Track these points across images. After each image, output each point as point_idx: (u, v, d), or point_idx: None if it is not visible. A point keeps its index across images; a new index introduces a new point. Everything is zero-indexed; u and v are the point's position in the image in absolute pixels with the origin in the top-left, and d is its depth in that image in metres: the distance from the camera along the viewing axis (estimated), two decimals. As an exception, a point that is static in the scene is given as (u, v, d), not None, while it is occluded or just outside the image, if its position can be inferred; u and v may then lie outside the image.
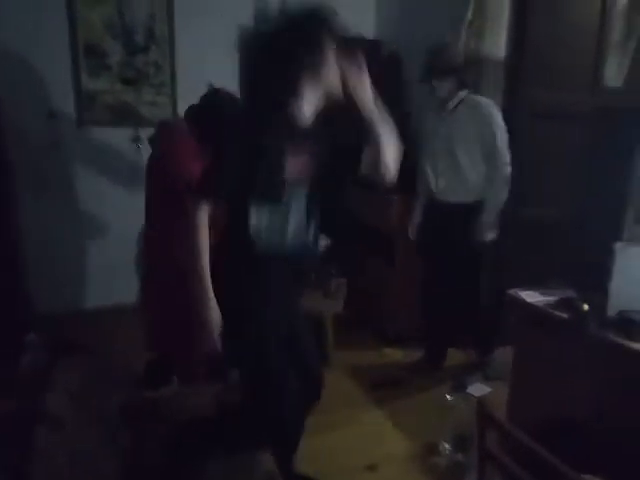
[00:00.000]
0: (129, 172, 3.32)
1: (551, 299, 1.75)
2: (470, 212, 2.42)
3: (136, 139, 3.30)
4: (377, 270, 3.23)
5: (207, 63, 3.35)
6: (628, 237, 1.80)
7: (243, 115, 1.50)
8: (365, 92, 1.43)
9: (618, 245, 1.53)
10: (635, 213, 1.87)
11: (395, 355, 2.96)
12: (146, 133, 3.29)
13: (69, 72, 3.12)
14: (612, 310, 1.54)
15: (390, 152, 1.48)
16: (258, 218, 1.43)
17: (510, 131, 2.83)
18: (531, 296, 1.79)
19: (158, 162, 2.08)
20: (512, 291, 1.86)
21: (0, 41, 2.86)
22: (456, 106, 2.42)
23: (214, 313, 1.44)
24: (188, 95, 3.32)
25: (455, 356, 2.83)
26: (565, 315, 1.63)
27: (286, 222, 1.48)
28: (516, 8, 2.68)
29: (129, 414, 1.85)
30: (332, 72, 1.40)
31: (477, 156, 2.39)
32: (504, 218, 2.51)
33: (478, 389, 2.54)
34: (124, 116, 3.27)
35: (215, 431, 1.63)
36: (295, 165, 1.44)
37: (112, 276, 3.31)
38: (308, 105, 1.44)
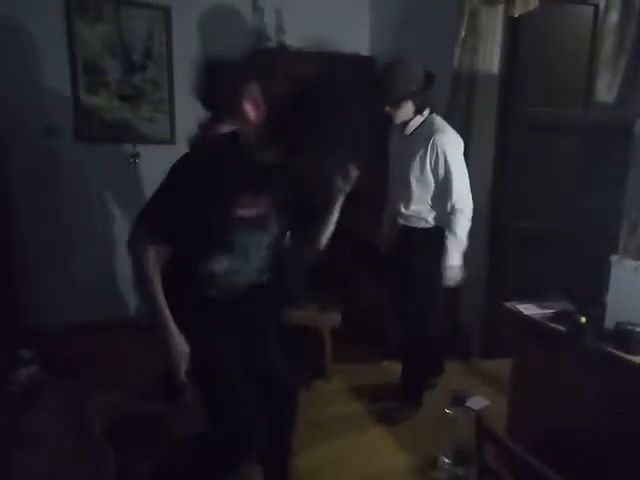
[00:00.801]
0: (126, 188, 3.34)
1: (548, 312, 1.76)
2: (428, 238, 2.29)
3: (133, 155, 3.32)
4: (373, 283, 3.23)
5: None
6: (624, 249, 1.82)
7: (196, 146, 1.49)
8: (341, 197, 1.55)
9: (614, 258, 1.54)
10: (630, 226, 1.89)
11: (394, 368, 2.94)
12: (143, 150, 3.34)
13: (68, 89, 3.15)
14: (609, 322, 1.55)
15: (326, 237, 1.63)
16: (210, 265, 1.40)
17: (504, 146, 2.87)
18: (528, 309, 1.80)
19: None
20: (509, 304, 1.87)
21: (0, 57, 2.89)
22: (414, 131, 2.25)
23: (177, 340, 1.39)
24: (185, 112, 3.37)
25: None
26: (562, 328, 1.64)
27: (244, 264, 1.45)
28: (509, 24, 2.73)
29: (115, 432, 1.82)
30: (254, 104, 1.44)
31: (431, 187, 2.23)
32: (500, 232, 2.50)
33: (477, 402, 2.53)
34: (122, 132, 3.30)
35: (196, 454, 1.60)
36: (251, 202, 1.40)
37: (108, 291, 3.30)
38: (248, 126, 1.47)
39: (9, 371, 2.17)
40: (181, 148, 3.35)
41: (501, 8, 2.71)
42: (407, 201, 2.32)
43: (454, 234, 2.20)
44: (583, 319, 1.59)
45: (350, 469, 2.06)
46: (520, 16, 2.60)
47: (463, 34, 2.81)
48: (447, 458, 2.05)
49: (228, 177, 1.35)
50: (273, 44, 3.44)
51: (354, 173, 1.49)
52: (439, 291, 2.36)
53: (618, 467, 1.44)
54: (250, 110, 2.01)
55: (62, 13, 3.07)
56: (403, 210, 2.36)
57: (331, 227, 1.61)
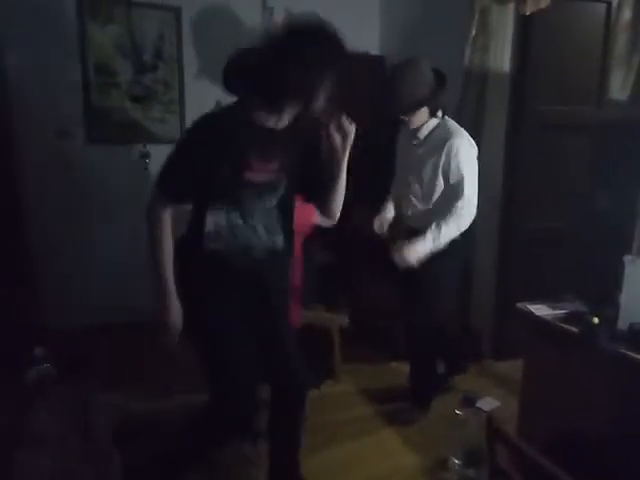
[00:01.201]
0: (137, 188, 3.36)
1: (560, 312, 1.74)
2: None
3: (144, 155, 3.34)
4: (383, 283, 3.21)
5: (214, 81, 3.41)
6: (638, 249, 1.79)
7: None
8: (344, 157, 1.51)
9: (627, 258, 1.52)
10: (644, 225, 1.86)
11: (403, 369, 2.93)
12: (154, 150, 3.36)
13: (79, 90, 3.18)
14: (623, 323, 1.52)
15: (337, 204, 1.63)
16: (217, 221, 1.43)
17: (515, 145, 2.84)
18: (540, 309, 1.78)
19: None
20: (521, 305, 1.85)
21: (12, 59, 2.92)
22: (427, 136, 2.22)
23: (173, 315, 1.45)
24: (196, 112, 3.37)
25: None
26: (575, 328, 1.62)
27: (250, 226, 1.48)
28: (520, 23, 2.71)
29: (121, 433, 1.82)
30: (320, 99, 1.42)
31: (440, 190, 2.21)
32: (510, 231, 2.47)
33: (488, 404, 2.50)
34: (133, 133, 3.32)
35: (189, 436, 1.61)
36: (262, 167, 1.44)
37: (122, 292, 3.33)
38: (285, 117, 1.45)
39: (21, 369, 2.19)
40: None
41: (512, 6, 2.69)
42: (416, 203, 2.31)
43: (439, 228, 2.10)
44: (596, 320, 1.57)
45: (359, 470, 2.06)
46: (531, 14, 2.58)
47: (474, 32, 2.79)
48: (457, 459, 2.03)
49: (238, 142, 1.38)
50: (282, 44, 3.44)
51: (348, 125, 1.48)
52: (448, 292, 2.34)
53: (629, 469, 1.42)
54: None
55: (74, 15, 3.10)
56: (410, 212, 2.35)
57: (341, 193, 1.60)
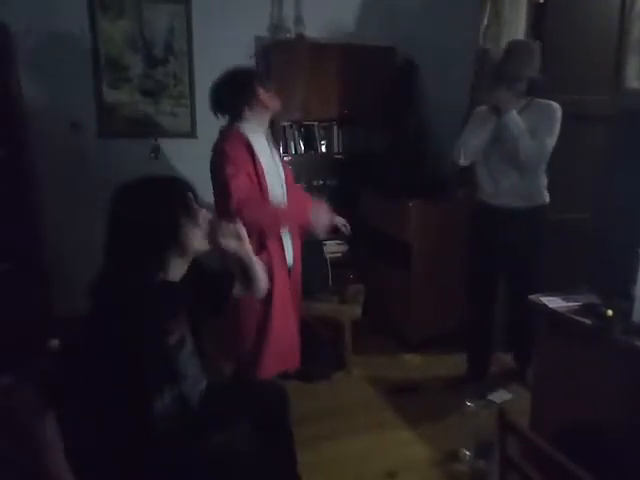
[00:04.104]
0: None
1: (574, 305, 1.72)
2: (530, 217, 2.35)
3: (155, 149, 3.36)
4: (394, 276, 3.22)
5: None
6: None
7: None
8: (245, 247, 1.46)
9: (642, 249, 1.50)
10: (660, 216, 1.83)
11: (414, 361, 2.94)
12: (165, 143, 3.38)
13: (91, 84, 3.21)
14: (637, 316, 1.51)
15: (263, 279, 1.56)
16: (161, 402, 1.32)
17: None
18: (553, 302, 1.76)
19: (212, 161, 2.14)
20: (534, 297, 1.83)
21: (24, 54, 2.95)
22: (522, 108, 2.29)
23: None
24: (206, 106, 3.38)
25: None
26: (588, 321, 1.60)
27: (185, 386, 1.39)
28: (532, 12, 2.66)
29: None
30: (196, 239, 1.33)
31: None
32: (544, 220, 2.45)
33: (499, 396, 2.50)
34: (143, 127, 3.34)
35: None
36: (175, 327, 1.36)
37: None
38: (176, 272, 1.35)
39: (37, 360, 2.23)
40: (202, 142, 3.41)
41: (525, -6, 2.65)
42: (512, 180, 2.33)
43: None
44: (610, 312, 1.55)
45: (371, 461, 2.07)
46: (545, 2, 2.54)
47: (486, 22, 2.75)
48: (468, 451, 2.04)
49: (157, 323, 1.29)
50: (292, 36, 3.43)
51: (234, 227, 1.44)
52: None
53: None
54: (266, 96, 2.10)
55: (85, 10, 3.12)
56: (504, 189, 2.36)
57: (259, 271, 1.54)
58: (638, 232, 1.75)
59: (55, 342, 2.48)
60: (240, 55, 3.43)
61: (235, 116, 2.13)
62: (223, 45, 3.37)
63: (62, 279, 3.15)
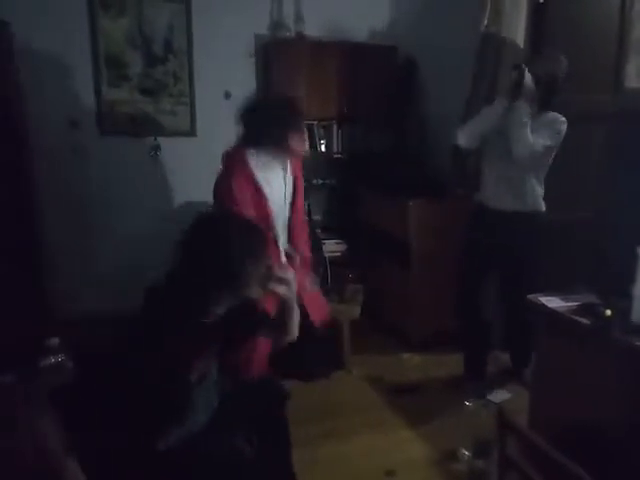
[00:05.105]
0: (148, 180, 3.39)
1: (573, 304, 1.72)
2: (524, 221, 2.34)
3: (154, 148, 3.36)
4: (393, 275, 3.22)
5: (224, 72, 3.41)
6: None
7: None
8: (293, 293, 1.47)
9: (642, 249, 1.50)
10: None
11: (414, 360, 2.94)
12: (164, 142, 3.38)
13: (91, 83, 3.20)
14: (636, 315, 1.51)
15: (295, 327, 1.55)
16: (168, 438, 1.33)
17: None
18: (552, 301, 1.76)
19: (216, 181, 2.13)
20: (533, 296, 1.83)
21: (25, 51, 2.94)
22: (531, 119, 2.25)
23: None
24: (206, 104, 3.38)
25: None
26: (587, 321, 1.60)
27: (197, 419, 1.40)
28: (533, 11, 2.66)
29: None
30: (255, 286, 1.34)
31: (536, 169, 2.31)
32: (539, 226, 2.44)
33: (498, 395, 2.50)
34: (143, 125, 3.34)
35: None
36: (202, 365, 1.37)
37: (134, 282, 3.36)
38: (219, 311, 1.36)
39: (36, 359, 2.23)
40: (201, 140, 3.41)
41: (526, -7, 2.64)
42: (509, 183, 2.33)
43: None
44: (608, 312, 1.55)
45: (369, 460, 2.07)
46: (545, 1, 2.53)
47: (486, 22, 2.75)
48: (467, 450, 2.04)
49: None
50: (292, 34, 3.42)
51: (284, 271, 1.46)
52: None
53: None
54: (295, 143, 2.08)
55: (85, 8, 3.12)
56: (501, 193, 2.36)
57: (294, 320, 1.54)
58: (637, 231, 1.75)
59: (55, 341, 2.48)
60: (240, 53, 3.44)
61: (256, 142, 2.07)
62: (223, 43, 3.37)
63: (60, 279, 3.16)
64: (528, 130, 2.19)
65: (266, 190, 2.09)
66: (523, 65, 2.20)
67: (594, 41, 2.72)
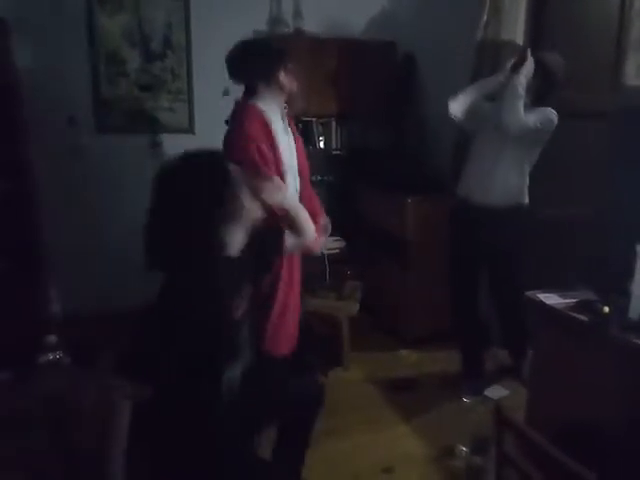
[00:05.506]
0: (146, 178, 3.38)
1: (570, 301, 1.72)
2: (509, 215, 2.35)
3: (153, 145, 3.35)
4: (392, 272, 3.22)
5: (222, 69, 3.39)
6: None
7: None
8: (288, 196, 1.50)
9: (640, 246, 1.50)
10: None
11: (411, 357, 2.94)
12: (163, 139, 3.37)
13: (89, 79, 3.19)
14: (634, 312, 1.51)
15: (311, 225, 1.57)
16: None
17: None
18: (550, 298, 1.77)
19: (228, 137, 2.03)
20: (530, 293, 1.84)
21: (22, 48, 2.93)
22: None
23: None
24: (204, 101, 3.37)
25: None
26: (585, 318, 1.60)
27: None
28: (532, 8, 2.66)
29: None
30: (250, 210, 1.31)
31: (523, 160, 2.34)
32: (523, 219, 2.45)
33: (496, 392, 2.51)
34: (141, 122, 3.33)
35: None
36: (240, 303, 1.35)
37: (134, 278, 3.35)
38: (234, 245, 1.32)
39: (34, 356, 2.23)
40: (200, 138, 3.40)
41: (525, -10, 2.64)
42: (493, 178, 2.34)
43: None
44: (606, 309, 1.55)
45: (367, 457, 2.08)
46: (545, -2, 2.53)
47: (485, 18, 2.74)
48: (464, 447, 2.04)
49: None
50: (291, 30, 3.41)
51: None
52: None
53: (638, 457, 1.42)
54: (285, 79, 2.03)
55: (83, 4, 3.10)
56: (485, 187, 2.36)
57: (304, 220, 1.56)
58: (635, 229, 1.75)
59: (52, 338, 2.48)
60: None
61: (251, 89, 2.03)
62: (221, 39, 3.32)
63: (59, 277, 3.14)
64: (521, 103, 2.21)
65: (279, 140, 1.99)
66: (529, 48, 2.25)
67: (593, 39, 2.72)
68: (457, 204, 2.51)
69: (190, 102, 3.40)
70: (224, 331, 1.26)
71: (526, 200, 2.39)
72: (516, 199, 2.36)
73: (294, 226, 1.55)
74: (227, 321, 1.29)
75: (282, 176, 1.93)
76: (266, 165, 1.88)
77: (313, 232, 1.58)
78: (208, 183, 1.24)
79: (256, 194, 1.37)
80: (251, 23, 3.38)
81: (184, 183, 1.25)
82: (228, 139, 1.99)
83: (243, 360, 1.38)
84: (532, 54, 2.26)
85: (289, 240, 1.55)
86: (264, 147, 1.90)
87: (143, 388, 1.15)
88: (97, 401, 1.11)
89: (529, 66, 2.23)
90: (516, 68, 2.26)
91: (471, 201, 2.42)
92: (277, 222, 1.55)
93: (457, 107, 2.40)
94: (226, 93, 3.38)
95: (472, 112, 2.39)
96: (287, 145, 2.05)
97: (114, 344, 1.50)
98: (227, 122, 2.09)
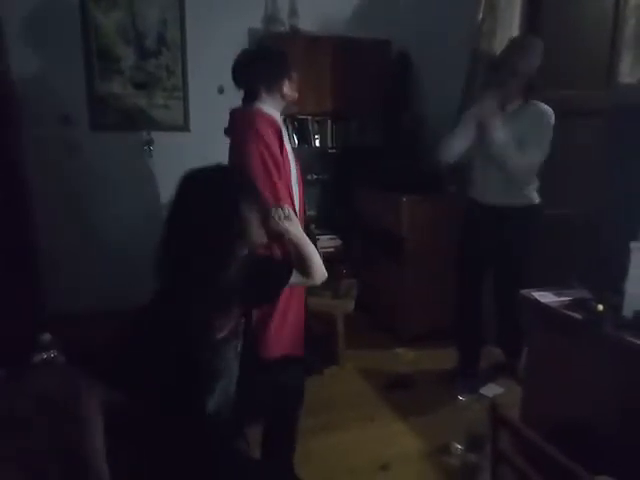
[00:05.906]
0: (141, 175, 3.37)
1: (565, 299, 1.73)
2: (519, 216, 2.34)
3: (148, 142, 3.34)
4: (388, 271, 3.22)
5: (218, 66, 3.39)
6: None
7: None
8: (297, 227, 1.50)
9: (634, 244, 1.50)
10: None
11: (408, 355, 2.95)
12: (157, 137, 3.36)
13: (83, 77, 3.17)
14: (628, 310, 1.52)
15: (318, 262, 1.58)
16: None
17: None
18: (545, 296, 1.77)
19: (234, 146, 2.04)
20: (525, 291, 1.84)
21: (15, 45, 2.90)
22: (515, 110, 2.30)
23: None
24: (199, 98, 3.35)
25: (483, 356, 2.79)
26: (579, 316, 1.61)
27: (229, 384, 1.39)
28: (527, 6, 2.66)
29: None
30: (256, 232, 1.29)
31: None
32: (538, 218, 2.45)
33: (491, 390, 2.52)
34: (136, 120, 3.31)
35: None
36: (225, 323, 1.34)
37: (128, 277, 3.35)
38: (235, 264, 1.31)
39: (28, 355, 2.21)
40: (195, 135, 3.39)
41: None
42: (504, 179, 2.31)
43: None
44: (600, 307, 1.56)
45: (363, 454, 2.08)
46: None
47: (481, 16, 2.75)
48: (460, 444, 2.05)
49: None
50: (286, 28, 3.40)
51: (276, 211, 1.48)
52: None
53: (633, 456, 1.42)
54: (288, 89, 2.05)
55: (77, 1, 3.07)
56: (495, 189, 2.35)
57: (311, 253, 1.56)
58: (629, 227, 1.76)
59: (46, 337, 2.46)
60: (234, 47, 3.40)
61: (254, 94, 2.04)
62: (216, 37, 3.34)
63: (53, 274, 3.13)
64: (512, 150, 2.20)
65: (290, 157, 2.01)
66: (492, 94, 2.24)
67: (588, 37, 2.73)
68: (469, 205, 2.50)
69: (185, 99, 3.38)
70: (201, 352, 1.25)
71: (537, 200, 2.38)
72: (526, 200, 2.35)
73: (300, 259, 1.54)
74: (206, 341, 1.27)
75: (290, 184, 1.99)
76: (278, 171, 1.90)
77: (321, 269, 1.58)
78: (223, 204, 1.23)
79: (265, 220, 1.36)
80: (246, 21, 3.37)
81: (208, 194, 1.24)
82: (239, 145, 1.98)
83: (228, 377, 1.38)
84: (502, 61, 2.23)
85: (294, 277, 1.56)
86: (276, 152, 1.92)
87: (114, 393, 1.14)
88: (67, 395, 1.10)
89: (493, 114, 2.21)
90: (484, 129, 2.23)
91: (480, 203, 2.42)
92: (284, 255, 1.55)
93: (444, 156, 2.38)
94: (221, 91, 3.38)
95: (464, 155, 2.39)
96: (290, 150, 2.10)
97: (104, 345, 1.49)
98: (226, 131, 2.10)
